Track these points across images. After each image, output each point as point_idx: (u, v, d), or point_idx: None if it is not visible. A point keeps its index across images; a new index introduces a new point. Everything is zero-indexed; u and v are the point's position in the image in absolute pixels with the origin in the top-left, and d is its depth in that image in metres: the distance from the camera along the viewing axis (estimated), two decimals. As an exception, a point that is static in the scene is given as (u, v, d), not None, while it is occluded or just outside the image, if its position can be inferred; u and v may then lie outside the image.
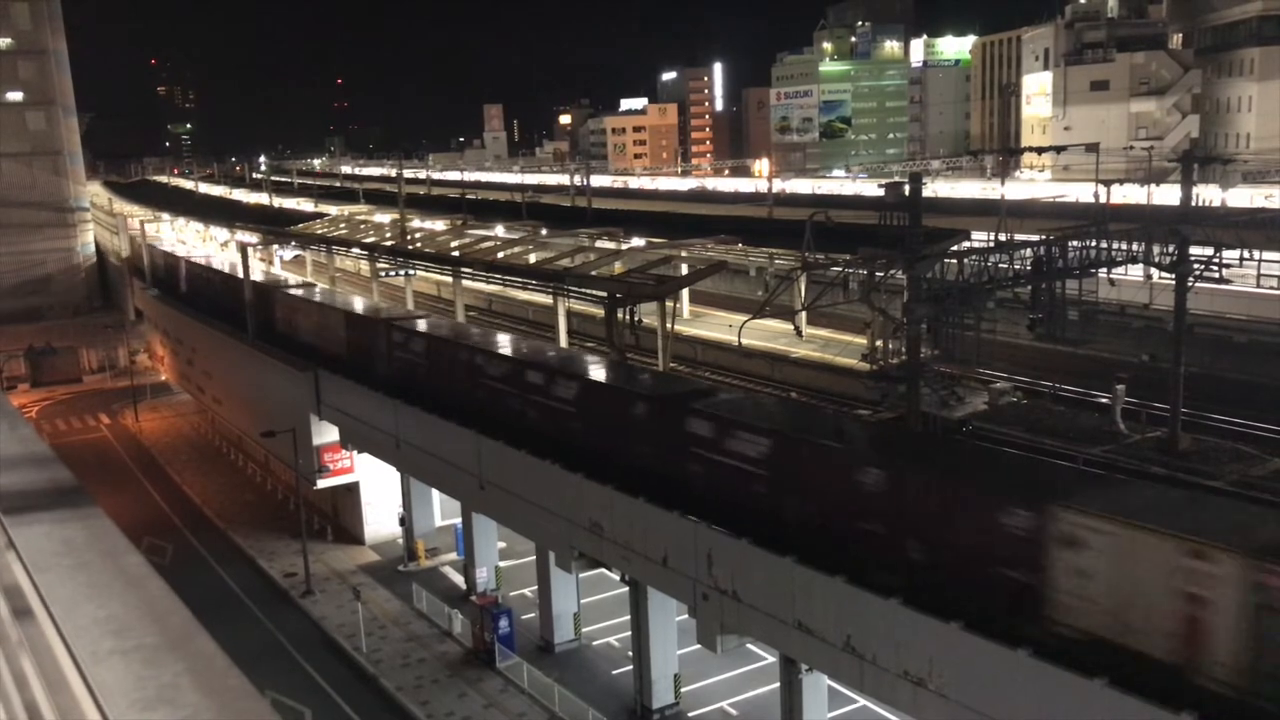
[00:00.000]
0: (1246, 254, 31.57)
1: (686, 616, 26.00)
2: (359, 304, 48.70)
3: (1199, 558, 15.58)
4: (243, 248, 57.26)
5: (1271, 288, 42.66)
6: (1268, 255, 37.17)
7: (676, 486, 25.33)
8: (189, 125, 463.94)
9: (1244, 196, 61.36)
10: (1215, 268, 29.49)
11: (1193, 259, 29.28)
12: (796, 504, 22.46)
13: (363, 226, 67.67)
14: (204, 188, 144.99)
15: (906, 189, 26.34)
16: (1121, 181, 48.88)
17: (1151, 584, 16.18)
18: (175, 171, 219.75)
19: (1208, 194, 53.56)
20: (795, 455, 22.69)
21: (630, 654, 30.13)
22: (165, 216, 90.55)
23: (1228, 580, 15.29)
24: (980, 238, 37.84)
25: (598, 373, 30.74)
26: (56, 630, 5.97)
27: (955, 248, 30.69)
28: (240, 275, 51.81)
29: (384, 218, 71.68)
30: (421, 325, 39.52)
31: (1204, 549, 15.57)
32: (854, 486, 21.00)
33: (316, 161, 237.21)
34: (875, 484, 20.72)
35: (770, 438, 23.15)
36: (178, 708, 4.85)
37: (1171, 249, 29.16)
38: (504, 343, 36.42)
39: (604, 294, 37.16)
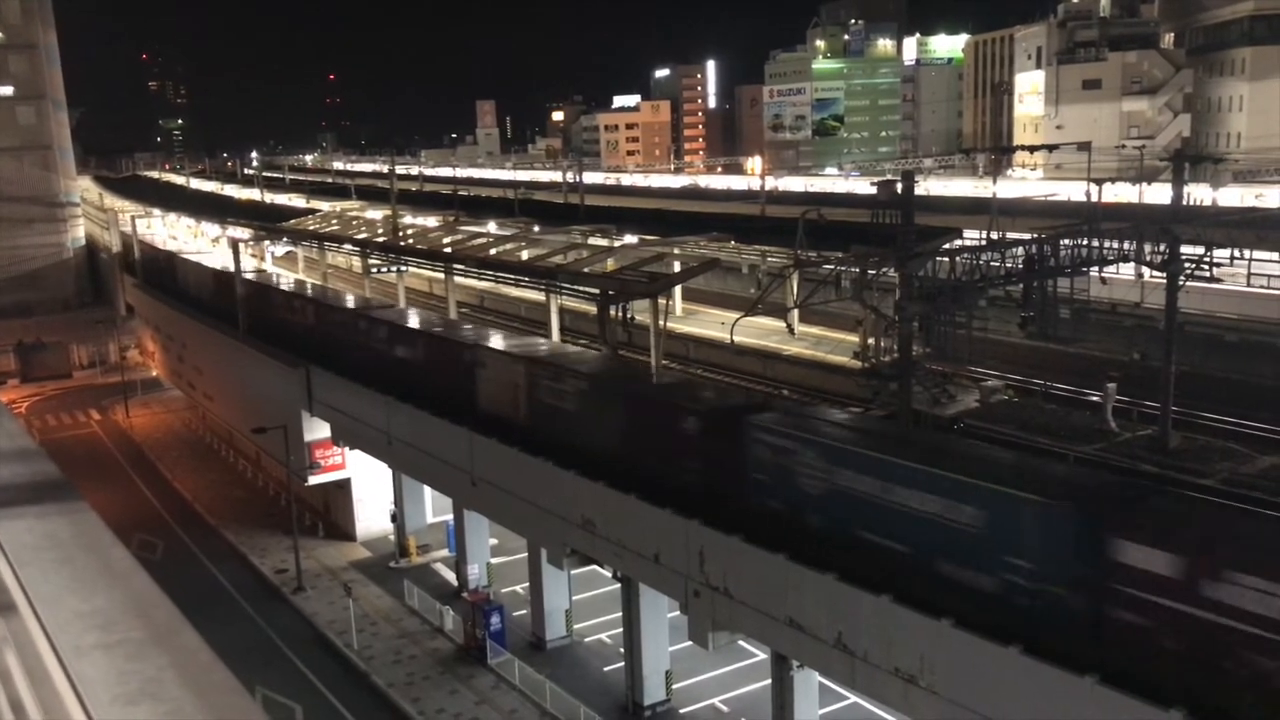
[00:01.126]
0: (1237, 253, 31.69)
1: (678, 613, 26.00)
2: (221, 265, 64.66)
3: (515, 364, 32.33)
4: (234, 243, 57.13)
5: (1262, 286, 42.80)
6: (1258, 254, 37.36)
7: (352, 360, 41.49)
8: (180, 120, 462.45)
9: (1235, 196, 61.59)
10: (1206, 267, 29.54)
11: (1184, 258, 29.33)
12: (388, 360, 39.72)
13: (354, 223, 67.39)
14: (195, 183, 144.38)
15: (899, 187, 26.35)
16: (1113, 180, 49.02)
17: (505, 382, 32.71)
18: (166, 167, 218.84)
19: (1199, 193, 53.74)
20: (386, 330, 40.68)
21: (622, 650, 30.13)
22: (156, 212, 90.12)
23: (521, 373, 31.94)
24: (972, 236, 37.89)
25: (312, 293, 51.09)
26: (40, 625, 5.90)
27: (947, 246, 30.68)
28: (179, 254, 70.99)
29: (376, 214, 71.38)
30: (250, 277, 57.52)
31: (519, 360, 32.39)
32: (389, 345, 40.15)
33: (309, 157, 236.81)
34: (417, 347, 38.50)
35: (386, 326, 40.75)
36: (161, 702, 4.79)
37: (1163, 248, 29.21)
38: (276, 282, 57.87)
39: (596, 291, 37.09)
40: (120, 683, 4.90)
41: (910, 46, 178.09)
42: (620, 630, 30.12)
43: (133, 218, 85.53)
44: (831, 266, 28.05)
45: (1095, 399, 31.39)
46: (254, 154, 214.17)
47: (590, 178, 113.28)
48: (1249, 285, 42.32)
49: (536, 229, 56.46)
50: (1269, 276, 42.55)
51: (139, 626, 5.61)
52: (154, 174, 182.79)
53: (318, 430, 42.31)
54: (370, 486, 42.94)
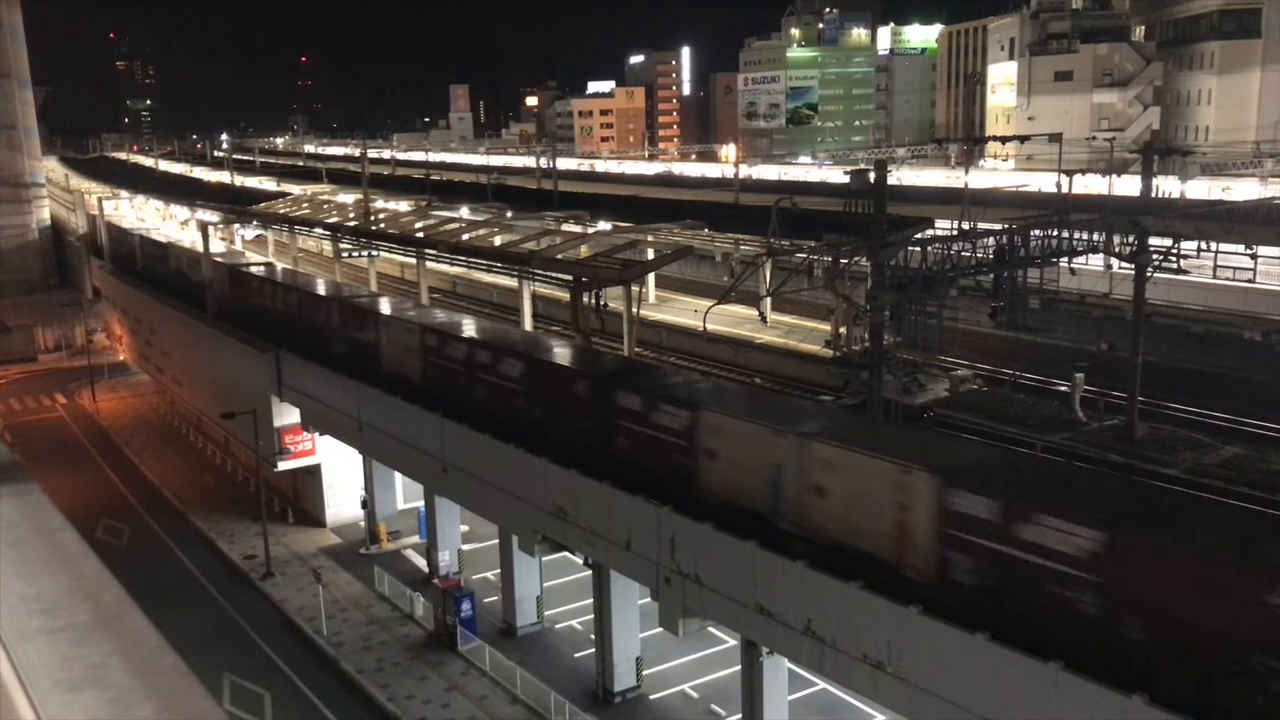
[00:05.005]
0: (1204, 245, 32.03)
1: (649, 600, 26.03)
2: (154, 233, 71.71)
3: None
4: (203, 226, 56.42)
5: (1228, 279, 43.26)
6: (1225, 247, 37.74)
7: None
8: (149, 101, 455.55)
9: (1202, 189, 62.20)
10: (1173, 258, 29.85)
11: (1152, 249, 29.61)
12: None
13: (326, 206, 66.73)
14: (164, 165, 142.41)
15: (872, 176, 26.38)
16: (1084, 172, 49.30)
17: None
18: (134, 148, 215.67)
19: (1167, 185, 54.21)
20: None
21: (593, 637, 30.14)
22: (124, 194, 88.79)
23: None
24: (944, 226, 38.08)
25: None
26: None
27: (919, 235, 30.80)
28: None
29: (347, 198, 70.76)
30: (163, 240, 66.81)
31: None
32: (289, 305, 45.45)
33: (279, 140, 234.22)
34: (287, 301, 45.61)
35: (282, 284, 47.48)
36: (105, 688, 4.68)
37: (1131, 239, 29.48)
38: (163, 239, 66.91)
39: (569, 278, 36.95)
40: (64, 668, 4.77)
41: (884, 36, 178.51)
42: (591, 617, 30.13)
43: (99, 199, 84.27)
44: (804, 255, 28.10)
45: (1064, 389, 31.71)
46: (224, 136, 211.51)
47: (564, 164, 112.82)
48: (1215, 277, 42.77)
49: (509, 215, 56.18)
50: (1235, 269, 43.00)
51: (85, 610, 5.47)
52: (121, 155, 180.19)
53: (287, 415, 41.93)
54: (340, 472, 42.65)
